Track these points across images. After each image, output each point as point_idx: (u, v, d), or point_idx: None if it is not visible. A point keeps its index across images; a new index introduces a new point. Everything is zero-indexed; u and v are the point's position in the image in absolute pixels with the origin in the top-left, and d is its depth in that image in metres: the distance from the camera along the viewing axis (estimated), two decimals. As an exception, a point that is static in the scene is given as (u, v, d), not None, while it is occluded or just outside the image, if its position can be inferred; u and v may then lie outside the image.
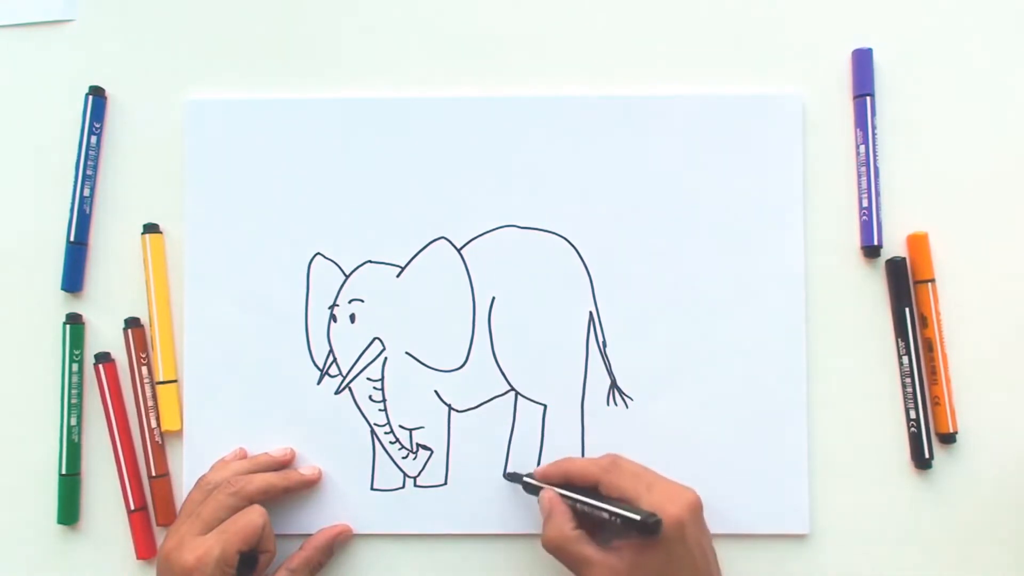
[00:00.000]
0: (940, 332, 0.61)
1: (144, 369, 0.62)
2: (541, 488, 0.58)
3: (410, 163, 0.63)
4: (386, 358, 0.62)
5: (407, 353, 0.62)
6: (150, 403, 0.62)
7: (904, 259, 0.62)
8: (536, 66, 0.64)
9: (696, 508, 0.55)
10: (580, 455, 0.62)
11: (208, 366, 0.62)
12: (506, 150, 0.63)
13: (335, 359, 0.62)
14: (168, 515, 0.62)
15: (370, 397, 0.62)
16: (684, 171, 0.62)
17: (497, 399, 0.62)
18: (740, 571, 0.61)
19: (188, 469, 0.62)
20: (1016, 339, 0.62)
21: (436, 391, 0.62)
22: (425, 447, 0.62)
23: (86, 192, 0.63)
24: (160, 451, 0.62)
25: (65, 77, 0.64)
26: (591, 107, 0.63)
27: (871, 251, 0.62)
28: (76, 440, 0.62)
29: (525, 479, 0.60)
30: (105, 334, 0.63)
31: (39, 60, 0.64)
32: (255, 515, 0.57)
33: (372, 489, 0.62)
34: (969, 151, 0.62)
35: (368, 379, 0.62)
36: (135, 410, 0.63)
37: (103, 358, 0.62)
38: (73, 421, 0.62)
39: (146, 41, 0.64)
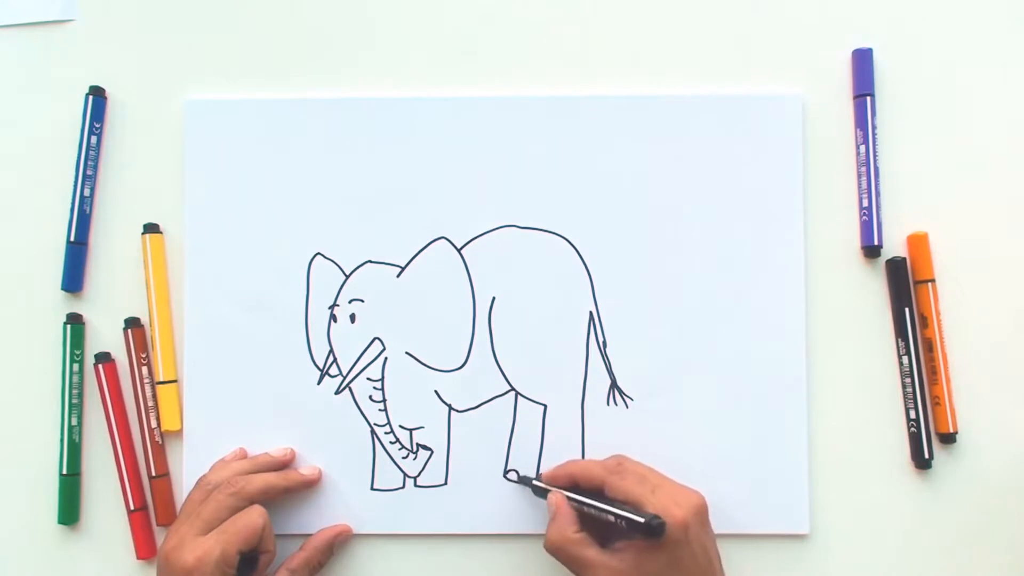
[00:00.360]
0: (940, 332, 0.61)
1: (144, 369, 0.62)
2: (549, 491, 0.59)
3: (410, 163, 0.63)
4: (386, 358, 0.62)
5: (407, 353, 0.62)
6: (150, 403, 0.62)
7: (904, 259, 0.62)
8: (536, 66, 0.64)
9: (701, 511, 0.55)
10: (580, 455, 0.62)
11: (208, 366, 0.62)
12: (506, 150, 0.63)
13: (335, 359, 0.62)
14: (168, 515, 0.62)
15: (370, 397, 0.62)
16: (684, 171, 0.62)
17: (497, 399, 0.62)
18: (740, 571, 0.61)
19: (188, 469, 0.62)
20: (1016, 339, 0.62)
21: (436, 391, 0.62)
22: (425, 447, 0.62)
23: (86, 192, 0.63)
24: (160, 451, 0.62)
25: (65, 77, 0.64)
26: (591, 107, 0.63)
27: (871, 251, 0.62)
28: (76, 440, 0.62)
29: (534, 482, 0.60)
30: (105, 334, 0.63)
31: (39, 60, 0.64)
32: (255, 515, 0.57)
33: (372, 489, 0.62)
34: (969, 151, 0.63)
35: (368, 379, 0.62)
36: (135, 410, 0.63)
37: (103, 358, 0.62)
38: (73, 421, 0.62)
39: (146, 41, 0.64)
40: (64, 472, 0.62)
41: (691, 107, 0.62)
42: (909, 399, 0.61)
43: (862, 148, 0.62)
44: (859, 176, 0.62)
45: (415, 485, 0.62)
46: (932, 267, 0.62)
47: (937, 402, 0.61)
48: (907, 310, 0.61)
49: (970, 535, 0.61)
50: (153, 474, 0.62)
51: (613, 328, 0.62)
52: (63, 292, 0.63)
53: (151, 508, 0.62)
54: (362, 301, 0.62)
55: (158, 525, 0.62)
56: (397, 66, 0.64)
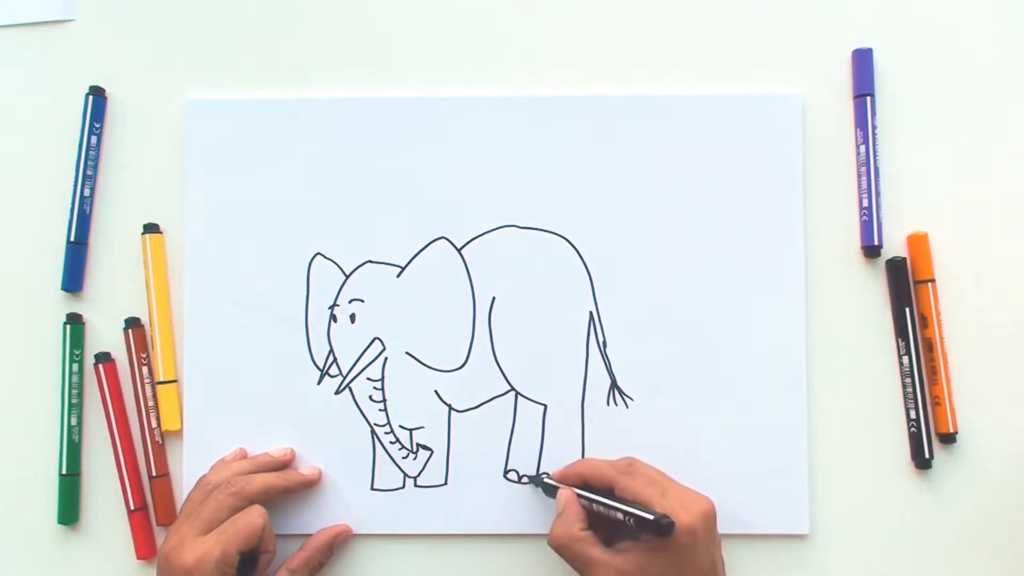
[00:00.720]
0: (940, 332, 0.61)
1: (144, 369, 0.62)
2: (558, 489, 0.59)
3: (410, 163, 0.63)
4: (386, 358, 0.62)
5: (407, 353, 0.62)
6: (150, 403, 0.62)
7: (904, 259, 0.62)
8: (536, 66, 0.64)
9: (710, 517, 0.55)
10: (580, 455, 0.62)
11: (208, 366, 0.62)
12: (506, 150, 0.63)
13: (335, 359, 0.62)
14: (168, 515, 0.62)
15: (370, 397, 0.62)
16: (684, 171, 0.62)
17: (497, 399, 0.62)
18: (740, 571, 0.61)
19: (188, 469, 0.62)
20: (1016, 339, 0.62)
21: (436, 391, 0.62)
22: (425, 447, 0.62)
23: (86, 192, 0.63)
24: (160, 451, 0.62)
25: (65, 77, 0.64)
26: (591, 107, 0.63)
27: (871, 251, 0.62)
28: (76, 440, 0.62)
29: (546, 481, 0.60)
30: (105, 334, 0.63)
31: (39, 60, 0.64)
32: (255, 515, 0.57)
33: (372, 489, 0.62)
34: (969, 151, 0.63)
35: (368, 379, 0.62)
36: (135, 410, 0.63)
37: (103, 358, 0.62)
38: (73, 421, 0.62)
39: (146, 41, 0.64)
40: (64, 472, 0.62)
41: (691, 107, 0.62)
42: (909, 399, 0.61)
43: (862, 148, 0.62)
44: (859, 176, 0.62)
45: (415, 485, 0.62)
46: (932, 267, 0.62)
47: (937, 402, 0.61)
48: (907, 310, 0.61)
49: (970, 535, 0.61)
50: (153, 474, 0.62)
51: (613, 328, 0.62)
52: (63, 292, 0.63)
53: (151, 508, 0.62)
54: (362, 301, 0.62)
55: (158, 525, 0.62)
56: (397, 66, 0.64)
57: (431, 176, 0.63)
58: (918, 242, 0.62)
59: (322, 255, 0.63)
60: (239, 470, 0.59)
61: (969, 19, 0.63)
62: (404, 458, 0.62)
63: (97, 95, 0.63)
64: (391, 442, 0.62)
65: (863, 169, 0.62)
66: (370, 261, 0.63)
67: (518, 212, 0.62)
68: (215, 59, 0.64)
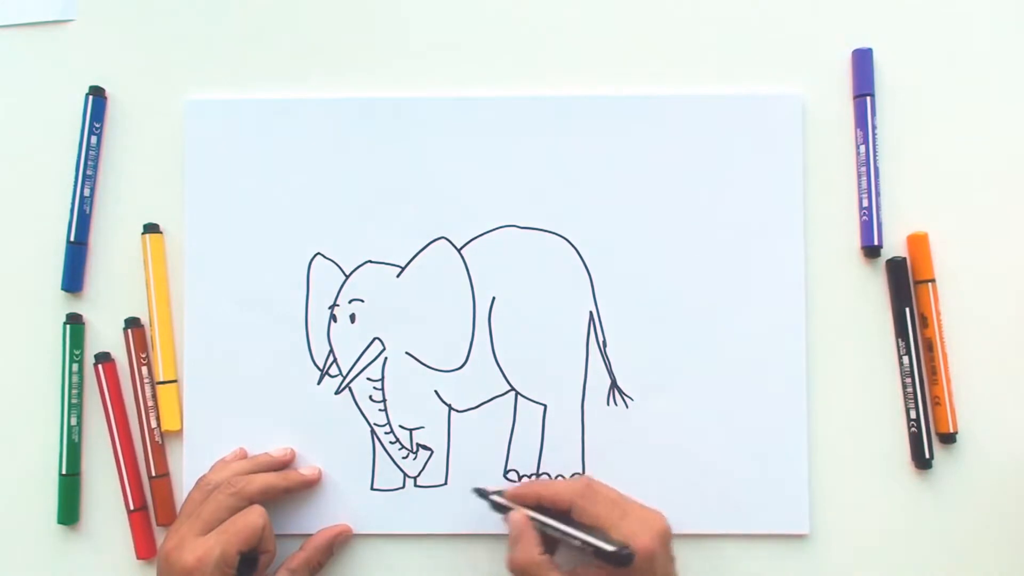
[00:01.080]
0: (940, 332, 0.61)
1: (144, 369, 0.62)
2: (509, 508, 0.57)
3: (410, 163, 0.63)
4: (386, 358, 0.62)
5: (407, 353, 0.62)
6: (150, 403, 0.62)
7: (904, 259, 0.62)
8: (536, 66, 0.64)
9: (666, 537, 0.55)
10: (580, 455, 0.62)
11: (208, 366, 0.62)
12: (506, 150, 0.63)
13: (335, 359, 0.62)
14: (168, 515, 0.62)
15: (370, 397, 0.62)
16: (684, 171, 0.62)
17: (497, 399, 0.62)
18: (740, 571, 0.61)
19: (188, 469, 0.62)
20: (1016, 339, 0.62)
21: (436, 391, 0.62)
22: (425, 447, 0.62)
23: (86, 192, 0.63)
24: (160, 451, 0.62)
25: (65, 77, 0.64)
26: (591, 107, 0.63)
27: (871, 251, 0.62)
28: (76, 440, 0.62)
29: (493, 498, 0.58)
30: (105, 334, 0.63)
31: (39, 60, 0.64)
32: (255, 515, 0.57)
33: (372, 489, 0.62)
34: (969, 151, 0.63)
35: (368, 379, 0.62)
36: (135, 410, 0.63)
37: (103, 358, 0.62)
38: (73, 421, 0.62)
39: (146, 41, 0.64)
40: (64, 472, 0.62)
41: (691, 107, 0.62)
42: (909, 399, 0.61)
43: (862, 148, 0.62)
44: (859, 176, 0.62)
45: (415, 485, 0.62)
46: (932, 267, 0.62)
47: (937, 402, 0.61)
48: (907, 310, 0.61)
49: (970, 535, 0.61)
50: (153, 474, 0.62)
51: (613, 328, 0.62)
52: (63, 292, 0.63)
53: (151, 508, 0.62)
54: (362, 301, 0.62)
55: (158, 525, 0.62)
56: (397, 66, 0.64)
57: (431, 176, 0.63)
58: (918, 242, 0.62)
59: (322, 255, 0.63)
60: (239, 470, 0.59)
61: (969, 19, 0.63)
62: (404, 458, 0.62)
63: (97, 95, 0.63)
64: (391, 442, 0.62)
65: (863, 169, 0.62)
66: (370, 261, 0.63)
67: (518, 212, 0.62)
68: (215, 59, 0.64)
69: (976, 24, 0.63)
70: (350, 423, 0.62)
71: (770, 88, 0.63)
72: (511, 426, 0.62)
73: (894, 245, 0.62)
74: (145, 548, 0.62)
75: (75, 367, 0.62)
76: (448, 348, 0.62)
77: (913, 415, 0.61)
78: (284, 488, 0.60)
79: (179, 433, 0.62)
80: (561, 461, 0.62)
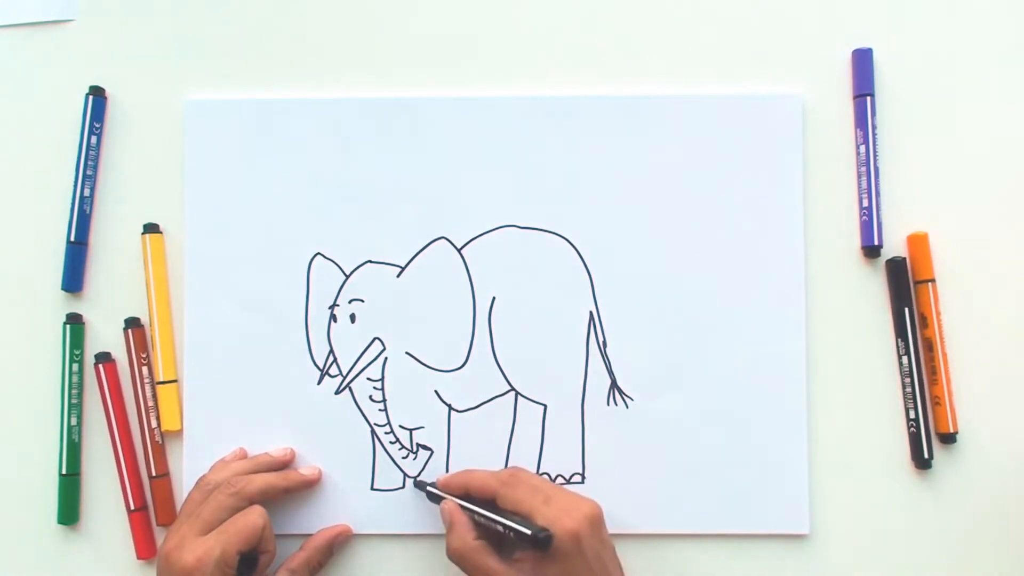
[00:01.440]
0: (940, 332, 0.61)
1: (144, 369, 0.62)
2: (443, 498, 0.59)
3: (410, 163, 0.63)
4: (386, 358, 0.62)
5: (407, 353, 0.62)
6: (150, 403, 0.62)
7: (904, 259, 0.62)
8: (536, 66, 0.64)
9: (594, 520, 0.55)
10: (580, 455, 0.62)
11: (208, 366, 0.62)
12: (506, 150, 0.63)
13: (335, 359, 0.62)
14: (168, 515, 0.62)
15: (370, 397, 0.62)
16: (684, 171, 0.62)
17: (497, 399, 0.62)
18: (740, 571, 0.61)
19: (188, 469, 0.62)
20: (1016, 339, 0.62)
21: (436, 391, 0.62)
22: (425, 447, 0.62)
23: (86, 192, 0.63)
24: (160, 451, 0.62)
25: (65, 77, 0.64)
26: (591, 107, 0.63)
27: (871, 251, 0.62)
28: (76, 440, 0.62)
29: (428, 488, 0.60)
30: (105, 334, 0.63)
31: (39, 60, 0.64)
32: (255, 516, 0.57)
33: (372, 489, 0.62)
34: (969, 151, 0.63)
35: (368, 379, 0.62)
36: (135, 410, 0.63)
37: (103, 358, 0.62)
38: (73, 421, 0.62)
39: (146, 41, 0.64)
40: (64, 472, 0.62)
41: (691, 107, 0.62)
42: (909, 399, 0.61)
43: (862, 148, 0.62)
44: (859, 176, 0.62)
45: (415, 485, 0.62)
46: (932, 267, 0.62)
47: (937, 402, 0.61)
48: (907, 310, 0.61)
49: (970, 535, 0.61)
50: (153, 474, 0.62)
51: (613, 328, 0.62)
52: (63, 292, 0.63)
53: (151, 508, 0.62)
54: (362, 301, 0.62)
55: (158, 525, 0.62)
56: (397, 66, 0.64)
57: (431, 176, 0.63)
58: (918, 242, 0.62)
59: (322, 255, 0.63)
60: (239, 470, 0.59)
61: (969, 19, 0.63)
62: (404, 458, 0.62)
63: (97, 95, 0.63)
64: (391, 442, 0.62)
65: (863, 169, 0.62)
66: (370, 261, 0.63)
67: (518, 212, 0.62)
68: (215, 59, 0.64)
69: (976, 24, 0.63)
70: (350, 423, 0.62)
71: (770, 88, 0.63)
72: (511, 426, 0.62)
73: (894, 245, 0.62)
74: (145, 548, 0.62)
75: (75, 367, 0.62)
76: (448, 348, 0.62)
77: (913, 415, 0.61)
78: (284, 488, 0.60)
79: (179, 433, 0.62)
80: (561, 461, 0.62)
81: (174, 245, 0.63)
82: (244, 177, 0.63)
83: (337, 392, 0.62)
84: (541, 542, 0.52)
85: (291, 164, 0.63)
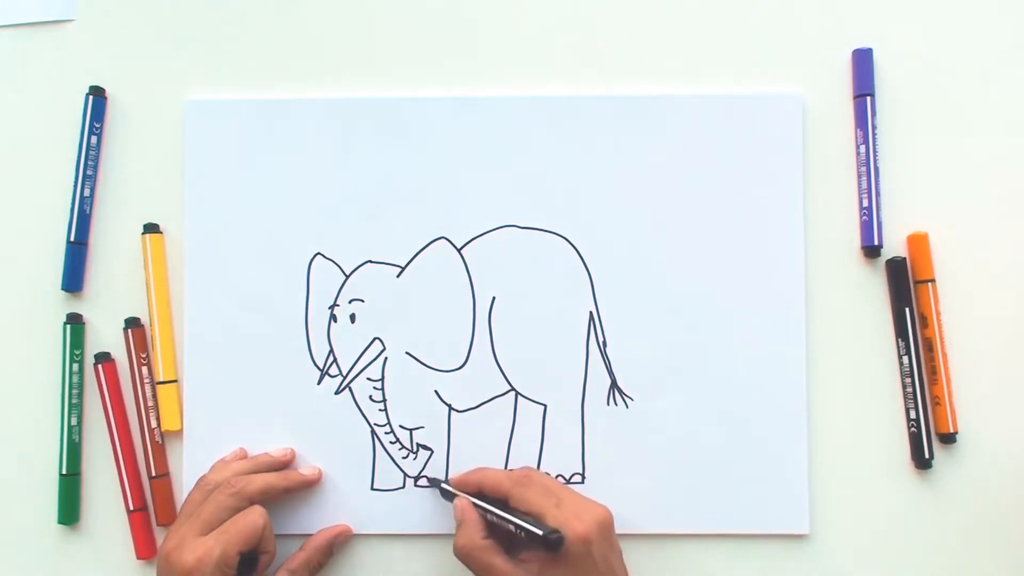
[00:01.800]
0: (940, 332, 0.61)
1: (144, 369, 0.62)
2: (456, 495, 0.59)
3: (410, 163, 0.63)
4: (386, 358, 0.62)
5: (407, 353, 0.62)
6: (150, 403, 0.62)
7: (904, 259, 0.62)
8: (536, 66, 0.64)
9: (604, 525, 0.55)
10: (580, 455, 0.62)
11: (208, 366, 0.62)
12: (506, 150, 0.63)
13: (335, 359, 0.62)
14: (168, 515, 0.62)
15: (370, 397, 0.62)
16: (684, 171, 0.62)
17: (497, 399, 0.62)
18: (740, 571, 0.61)
19: (188, 469, 0.62)
20: (1016, 339, 0.62)
21: (436, 391, 0.62)
22: (425, 447, 0.62)
23: (86, 192, 0.63)
24: (160, 451, 0.62)
25: (65, 77, 0.64)
26: (591, 107, 0.63)
27: (871, 251, 0.62)
28: (76, 440, 0.62)
29: (443, 485, 0.60)
30: (105, 334, 0.63)
31: (39, 60, 0.64)
32: (255, 516, 0.57)
33: (372, 489, 0.62)
34: (969, 151, 0.63)
35: (368, 379, 0.62)
36: (135, 410, 0.63)
37: (103, 358, 0.62)
38: (73, 421, 0.62)
39: (146, 41, 0.64)
40: (64, 472, 0.62)
41: (691, 107, 0.62)
42: (909, 399, 0.61)
43: (862, 148, 0.62)
44: (859, 176, 0.62)
45: (415, 485, 0.62)
46: (932, 267, 0.62)
47: (937, 402, 0.61)
48: (907, 310, 0.61)
49: (970, 535, 0.61)
50: (153, 474, 0.62)
51: (613, 328, 0.62)
52: (63, 292, 0.63)
53: (151, 508, 0.62)
54: (362, 301, 0.62)
55: (158, 525, 0.62)
56: (397, 66, 0.64)
57: (431, 176, 0.63)
58: (918, 242, 0.62)
59: (322, 255, 0.63)
60: (239, 470, 0.59)
61: (969, 19, 0.63)
62: (404, 458, 0.62)
63: (97, 95, 0.63)
64: (391, 442, 0.62)
65: (863, 169, 0.62)
66: (370, 261, 0.63)
67: (518, 212, 0.62)
68: (215, 59, 0.64)
69: (976, 24, 0.63)
70: (350, 423, 0.62)
71: (770, 88, 0.63)
72: (511, 426, 0.62)
73: (894, 245, 0.62)
74: (145, 548, 0.62)
75: (75, 367, 0.62)
76: (448, 348, 0.62)
77: (913, 415, 0.61)
78: (284, 488, 0.60)
79: (179, 433, 0.62)
80: (561, 461, 0.62)
81: (174, 245, 0.63)
82: (244, 177, 0.63)
83: (337, 392, 0.62)
84: (552, 543, 0.52)
85: (291, 164, 0.63)
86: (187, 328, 0.62)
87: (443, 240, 0.62)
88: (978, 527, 0.61)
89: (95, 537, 0.63)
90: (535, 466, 0.62)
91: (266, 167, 0.63)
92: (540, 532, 0.53)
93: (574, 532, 0.53)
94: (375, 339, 0.62)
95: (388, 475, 0.62)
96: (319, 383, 0.62)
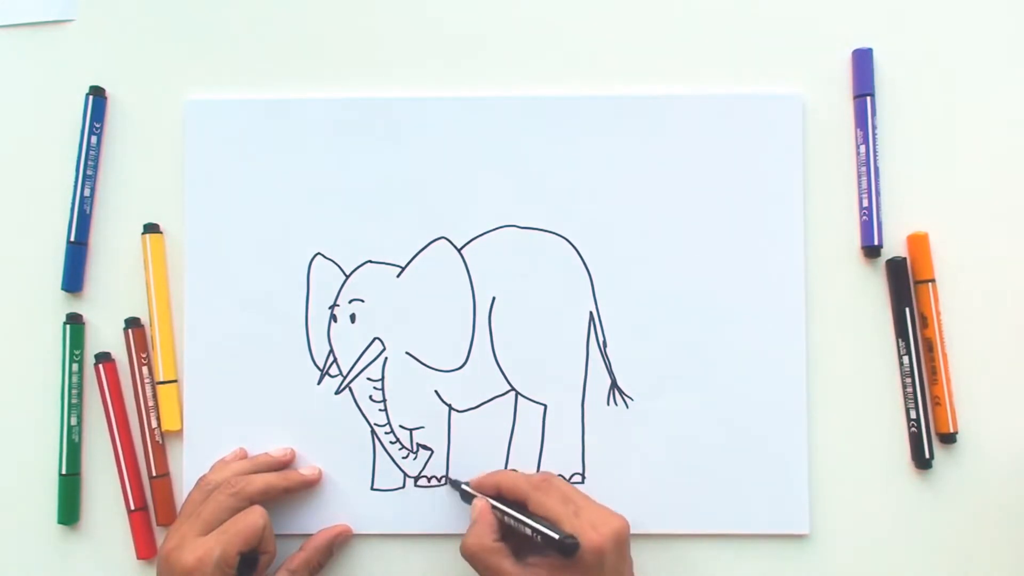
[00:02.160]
0: (940, 332, 0.61)
1: (144, 369, 0.62)
2: (475, 496, 0.59)
3: (410, 163, 0.63)
4: (386, 358, 0.62)
5: (407, 353, 0.62)
6: (150, 403, 0.62)
7: (904, 259, 0.62)
8: (536, 66, 0.64)
9: (620, 537, 0.54)
10: (580, 455, 0.62)
11: (208, 366, 0.62)
12: (506, 150, 0.63)
13: (335, 359, 0.62)
14: (168, 515, 0.62)
15: (370, 397, 0.62)
16: (684, 171, 0.62)
17: (497, 399, 0.62)
18: (740, 571, 0.61)
19: (188, 469, 0.62)
20: (1016, 339, 0.62)
21: (436, 391, 0.62)
22: (425, 447, 0.62)
23: (86, 192, 0.63)
24: (160, 451, 0.62)
25: (65, 77, 0.64)
26: (591, 107, 0.63)
27: (871, 251, 0.62)
28: (76, 440, 0.62)
29: (463, 487, 0.60)
30: (105, 334, 0.63)
31: (39, 60, 0.64)
32: (255, 516, 0.57)
33: (372, 489, 0.62)
34: (969, 151, 0.63)
35: (368, 379, 0.62)
36: (135, 410, 0.63)
37: (103, 358, 0.62)
38: (73, 421, 0.62)
39: (146, 41, 0.64)
40: (64, 472, 0.62)
41: (691, 107, 0.62)
42: (909, 399, 0.61)
43: (862, 148, 0.62)
44: (859, 176, 0.62)
45: (415, 485, 0.62)
46: (932, 267, 0.62)
47: (937, 402, 0.61)
48: (907, 310, 0.61)
49: (970, 535, 0.61)
50: (153, 474, 0.62)
51: (613, 328, 0.62)
52: (63, 292, 0.63)
53: (151, 508, 0.62)
54: (362, 301, 0.62)
55: (158, 525, 0.62)
56: (397, 66, 0.64)
57: (431, 176, 0.63)
58: (918, 242, 0.62)
59: (322, 255, 0.63)
60: (239, 470, 0.59)
61: (969, 19, 0.63)
62: (404, 458, 0.62)
63: (97, 95, 0.63)
64: (391, 442, 0.62)
65: (863, 169, 0.62)
66: (370, 261, 0.63)
67: (518, 212, 0.62)
68: (215, 59, 0.64)
69: (976, 24, 0.63)
70: (350, 423, 0.62)
71: (770, 88, 0.63)
72: (511, 426, 0.62)
73: (894, 245, 0.62)
74: (145, 548, 0.62)
75: (75, 367, 0.62)
76: (448, 348, 0.62)
77: (913, 415, 0.61)
78: (284, 488, 0.60)
79: (179, 433, 0.62)
80: (561, 461, 0.62)
81: (174, 245, 0.63)
82: (244, 177, 0.63)
83: (337, 392, 0.62)
84: (567, 548, 0.52)
85: (291, 164, 0.63)
86: (187, 328, 0.62)
87: (443, 240, 0.62)
88: (978, 527, 0.61)
89: (95, 537, 0.63)
90: (535, 466, 0.62)
91: (266, 167, 0.63)
92: (556, 536, 0.53)
93: (590, 542, 0.53)
94: (375, 339, 0.62)
95: (388, 475, 0.62)
96: (319, 383, 0.62)
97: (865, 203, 0.62)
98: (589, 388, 0.62)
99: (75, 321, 0.63)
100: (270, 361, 0.62)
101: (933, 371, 0.61)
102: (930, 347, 0.61)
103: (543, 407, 0.62)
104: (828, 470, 0.61)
